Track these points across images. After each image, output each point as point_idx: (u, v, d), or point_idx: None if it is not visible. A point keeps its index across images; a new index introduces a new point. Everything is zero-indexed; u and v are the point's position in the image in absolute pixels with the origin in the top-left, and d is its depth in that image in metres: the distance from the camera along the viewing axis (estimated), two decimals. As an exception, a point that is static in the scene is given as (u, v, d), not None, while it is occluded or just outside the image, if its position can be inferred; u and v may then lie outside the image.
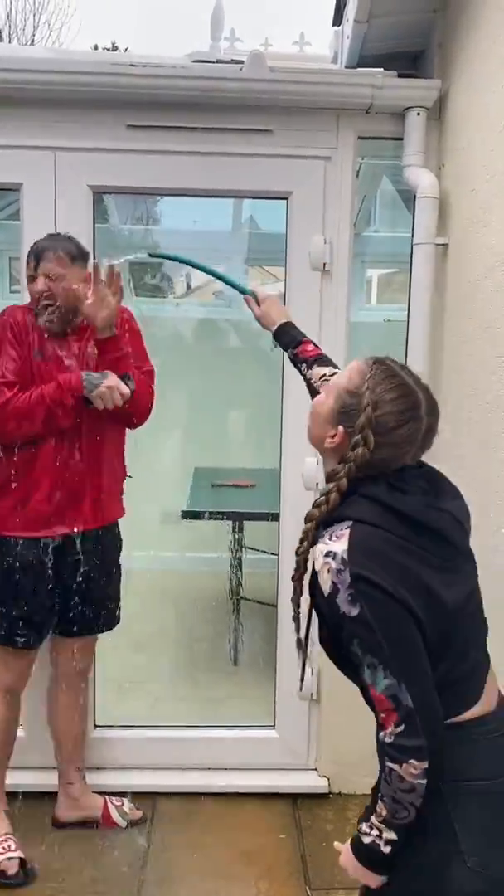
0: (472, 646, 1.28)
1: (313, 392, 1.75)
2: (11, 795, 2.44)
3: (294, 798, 2.61)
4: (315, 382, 1.76)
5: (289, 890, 2.20)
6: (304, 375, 1.85)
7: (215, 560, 3.92)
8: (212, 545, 4.00)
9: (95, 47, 19.22)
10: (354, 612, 1.16)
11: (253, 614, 3.55)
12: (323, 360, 1.83)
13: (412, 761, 1.14)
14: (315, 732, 2.67)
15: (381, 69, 2.46)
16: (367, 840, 1.22)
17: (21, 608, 2.22)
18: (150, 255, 2.25)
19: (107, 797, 2.51)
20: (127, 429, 2.38)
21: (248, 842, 2.40)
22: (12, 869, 2.23)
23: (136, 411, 2.26)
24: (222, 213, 5.06)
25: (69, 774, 2.48)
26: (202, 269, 2.09)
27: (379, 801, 1.19)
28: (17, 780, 2.56)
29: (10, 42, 17.65)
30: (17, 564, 2.21)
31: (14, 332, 2.18)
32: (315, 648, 1.41)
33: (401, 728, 1.15)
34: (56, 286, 2.13)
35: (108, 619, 2.40)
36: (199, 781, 2.63)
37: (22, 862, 2.25)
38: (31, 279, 2.16)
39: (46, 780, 2.56)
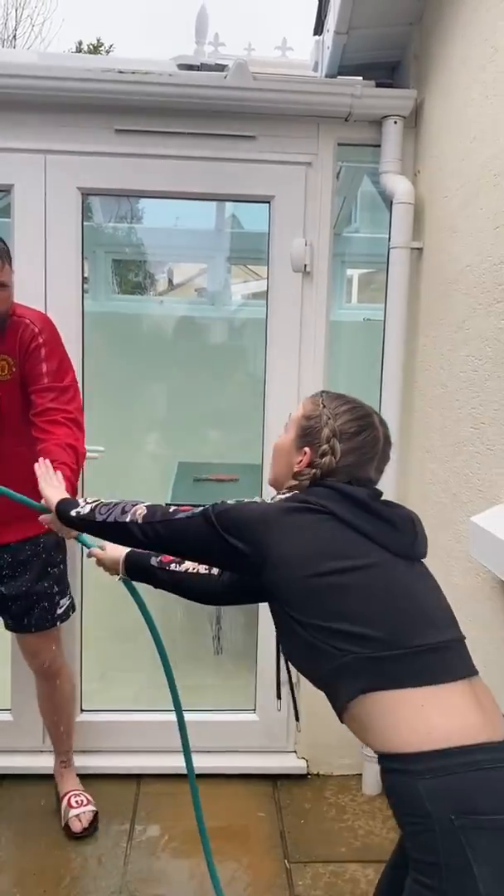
0: None
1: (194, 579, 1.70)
2: None
3: (274, 779, 2.72)
4: (192, 570, 1.69)
5: (268, 863, 2.30)
6: (176, 573, 1.71)
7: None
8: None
9: (80, 42, 19.21)
10: None
11: (234, 607, 3.64)
12: None
13: None
14: (294, 717, 2.77)
15: (360, 78, 2.56)
16: None
17: None
18: None
19: (72, 793, 2.50)
20: None
21: (230, 819, 2.50)
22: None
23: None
24: (205, 212, 5.14)
25: (54, 752, 2.59)
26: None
27: None
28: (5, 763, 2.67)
29: (-9, 36, 17.64)
30: None
31: None
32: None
33: None
34: (2, 293, 2.12)
35: (39, 618, 2.37)
36: (182, 763, 2.71)
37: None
38: None
39: (26, 763, 2.69)
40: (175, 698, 1.94)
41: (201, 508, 1.40)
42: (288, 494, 1.40)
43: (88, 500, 1.59)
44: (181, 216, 5.23)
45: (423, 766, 1.12)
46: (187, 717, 2.78)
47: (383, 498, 1.44)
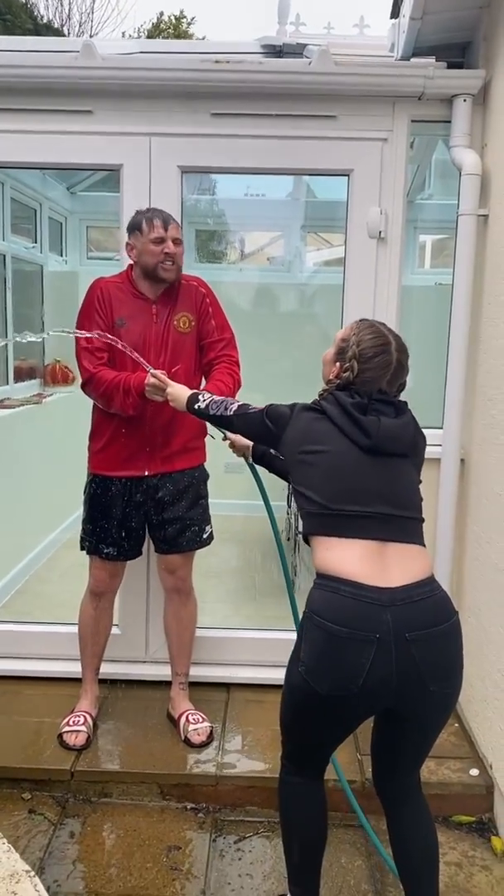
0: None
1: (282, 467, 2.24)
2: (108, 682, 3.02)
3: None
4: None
5: (341, 755, 2.65)
6: (279, 459, 2.22)
7: (275, 507, 4.35)
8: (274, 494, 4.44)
9: (161, 14, 19.50)
10: None
11: (306, 550, 3.98)
12: None
13: None
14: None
15: (433, 59, 2.81)
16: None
17: (103, 527, 2.70)
18: None
19: (188, 711, 2.81)
20: None
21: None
22: (73, 740, 2.70)
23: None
24: (281, 183, 5.39)
25: (173, 673, 2.93)
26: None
27: None
28: (112, 669, 3.08)
29: (69, 10, 18.05)
30: (101, 495, 2.70)
31: (100, 304, 2.60)
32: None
33: None
34: (178, 248, 2.56)
35: (190, 540, 2.74)
36: (264, 675, 3.08)
37: (87, 738, 2.71)
38: (160, 241, 2.51)
39: (131, 670, 3.12)
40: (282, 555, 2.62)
41: (264, 407, 2.02)
42: (315, 398, 1.92)
43: (204, 397, 2.22)
44: (258, 187, 5.51)
45: (318, 579, 1.78)
46: (270, 634, 3.16)
47: (406, 404, 1.92)
